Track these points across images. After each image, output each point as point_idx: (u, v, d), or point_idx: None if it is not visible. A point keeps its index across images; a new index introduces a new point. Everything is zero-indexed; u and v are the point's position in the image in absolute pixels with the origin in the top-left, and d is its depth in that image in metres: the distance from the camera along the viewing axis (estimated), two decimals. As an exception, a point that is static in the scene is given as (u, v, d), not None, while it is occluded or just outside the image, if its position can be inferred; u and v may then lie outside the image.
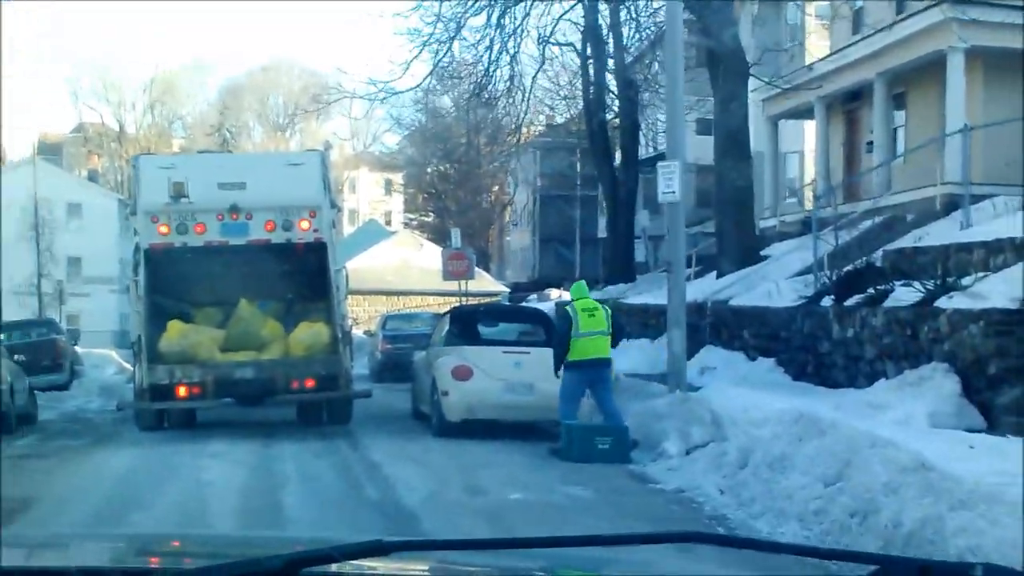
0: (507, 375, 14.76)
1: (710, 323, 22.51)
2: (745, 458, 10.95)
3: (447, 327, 16.15)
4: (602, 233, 59.32)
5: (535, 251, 68.34)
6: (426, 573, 2.17)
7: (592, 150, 32.80)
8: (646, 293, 29.25)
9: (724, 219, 25.38)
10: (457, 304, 21.59)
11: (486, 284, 47.35)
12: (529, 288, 58.43)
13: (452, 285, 34.47)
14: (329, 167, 17.20)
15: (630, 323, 27.62)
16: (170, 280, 16.21)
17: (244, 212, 15.66)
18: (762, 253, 25.50)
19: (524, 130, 34.48)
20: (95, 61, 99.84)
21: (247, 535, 5.74)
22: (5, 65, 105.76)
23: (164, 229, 15.62)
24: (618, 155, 32.91)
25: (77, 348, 35.18)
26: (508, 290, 54.49)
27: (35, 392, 19.70)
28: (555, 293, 48.87)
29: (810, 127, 36.14)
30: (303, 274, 16.44)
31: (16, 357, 19.11)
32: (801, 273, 22.61)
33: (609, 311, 14.92)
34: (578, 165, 63.67)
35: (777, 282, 21.04)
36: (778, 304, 19.62)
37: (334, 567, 1.73)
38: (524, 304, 44.63)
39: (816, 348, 17.39)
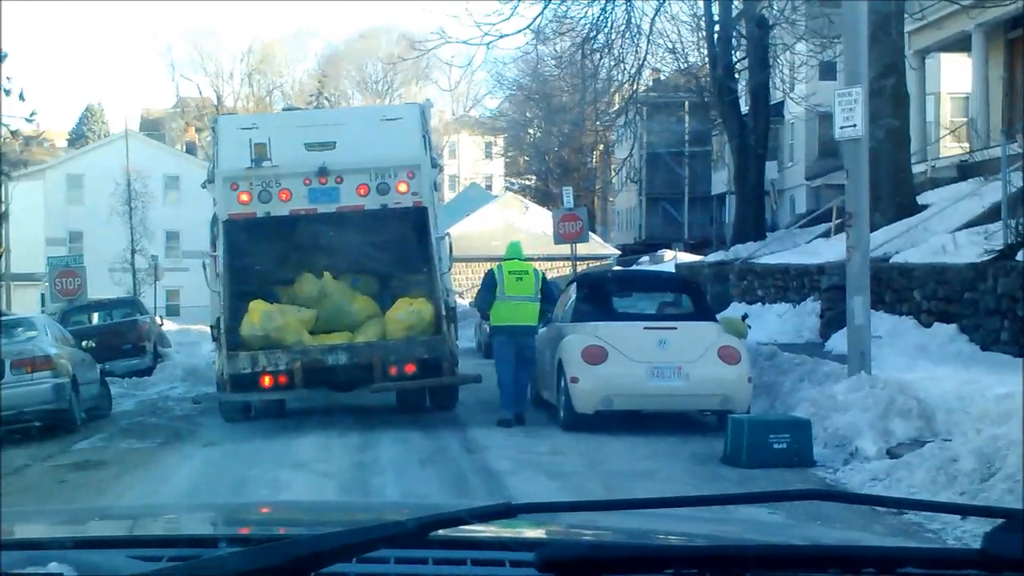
0: (650, 356, 12.12)
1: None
2: (987, 466, 8.19)
3: (574, 298, 13.51)
4: (716, 189, 56.46)
5: (641, 212, 65.68)
6: (554, 534, 2.11)
7: (717, 97, 29.79)
8: (780, 252, 26.37)
9: (875, 165, 22.29)
10: (583, 270, 19.02)
11: (596, 247, 44.65)
12: (639, 250, 55.70)
13: (562, 249, 31.91)
14: (429, 121, 15.05)
15: (763, 285, 24.82)
16: (252, 254, 14.50)
17: (334, 175, 13.87)
18: (919, 202, 22.44)
19: (634, 83, 31.56)
20: (191, 31, 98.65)
21: (353, 502, 5.92)
22: (106, 39, 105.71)
23: (245, 197, 13.86)
24: (744, 103, 29.86)
25: (166, 326, 33.50)
26: (619, 253, 51.78)
27: (108, 381, 17.60)
28: (668, 254, 46.09)
29: (948, 64, 32.83)
30: (401, 244, 14.69)
31: (85, 343, 16.96)
32: (970, 224, 19.61)
33: (540, 275, 13.71)
34: (686, 120, 60.74)
35: (952, 235, 18.05)
36: (957, 260, 16.66)
37: (463, 530, 1.74)
38: (646, 267, 41.90)
39: (1013, 312, 14.46)
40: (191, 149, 73.53)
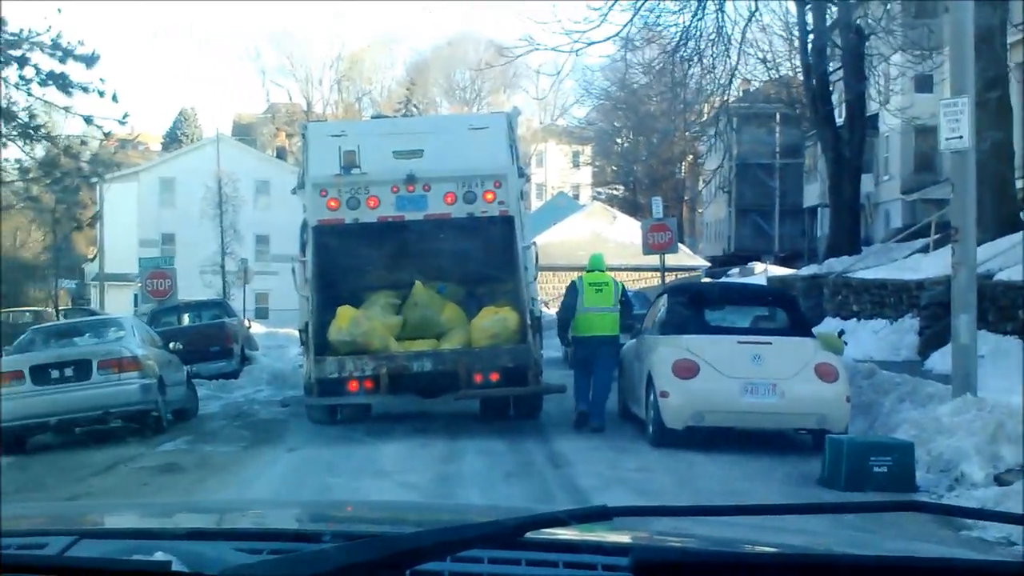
0: (744, 372, 11.72)
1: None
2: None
3: (664, 309, 13.17)
4: (808, 202, 55.55)
5: (731, 223, 64.95)
6: (646, 540, 2.09)
7: (812, 107, 29.20)
8: (876, 267, 25.70)
9: (979, 179, 21.59)
10: (675, 280, 18.75)
11: (684, 259, 44.10)
12: (728, 262, 54.99)
13: (651, 259, 31.50)
14: (516, 130, 15.03)
15: (859, 301, 24.18)
16: (340, 260, 14.54)
17: (421, 183, 14.05)
18: (1024, 219, 21.69)
19: (725, 93, 31.07)
20: (280, 35, 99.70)
21: (440, 503, 5.95)
22: (201, 43, 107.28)
23: (334, 204, 14.07)
24: (838, 114, 29.25)
25: (254, 329, 33.67)
26: (707, 264, 51.16)
27: (194, 383, 17.63)
28: (759, 267, 45.42)
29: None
30: (487, 252, 14.60)
31: (173, 344, 16.95)
32: (1078, 242, 18.87)
33: (620, 287, 14.08)
34: (777, 131, 59.91)
35: (1062, 252, 17.36)
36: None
37: (557, 532, 1.76)
38: (737, 279, 41.28)
39: None
40: (281, 154, 74.22)
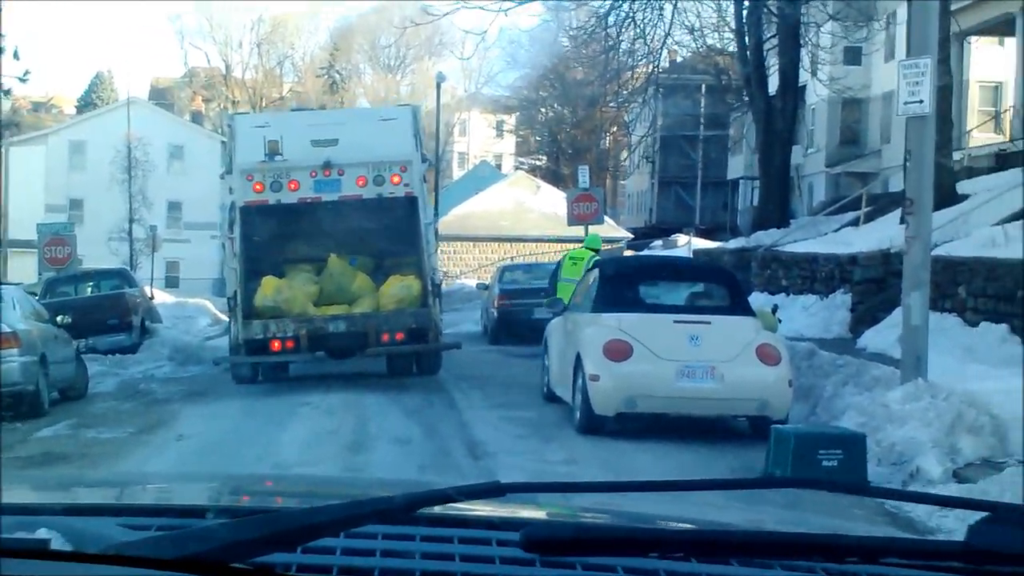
0: (680, 354, 10.78)
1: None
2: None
3: (595, 285, 12.13)
4: (732, 174, 55.02)
5: (652, 195, 64.30)
6: (541, 515, 2.12)
7: (744, 76, 28.38)
8: (804, 241, 25.03)
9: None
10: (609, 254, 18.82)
11: (608, 230, 43.15)
12: (650, 234, 54.26)
13: (576, 231, 30.63)
14: (421, 122, 17.16)
15: (789, 275, 23.47)
16: (264, 237, 16.31)
17: (336, 168, 15.78)
18: (959, 192, 21.09)
19: (656, 59, 30.22)
20: None
21: (345, 476, 6.06)
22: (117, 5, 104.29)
23: (259, 187, 15.78)
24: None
25: (162, 299, 32.21)
26: (631, 236, 50.40)
27: (85, 359, 16.34)
28: (683, 239, 44.76)
29: (978, 51, 31.46)
30: (394, 228, 16.45)
31: (60, 318, 15.63)
32: (1017, 216, 18.26)
33: (591, 260, 15.27)
34: (702, 103, 59.31)
35: (1003, 227, 16.70)
36: (1009, 255, 15.33)
37: (452, 507, 1.73)
38: (659, 252, 40.50)
39: (1077, 315, 13.15)
40: (197, 119, 72.07)
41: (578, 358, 11.32)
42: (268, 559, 1.51)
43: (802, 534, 1.82)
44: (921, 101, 10.60)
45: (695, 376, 10.69)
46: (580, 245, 18.23)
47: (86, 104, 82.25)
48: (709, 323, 11.07)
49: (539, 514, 2.13)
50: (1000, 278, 15.11)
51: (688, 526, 2.05)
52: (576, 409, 11.28)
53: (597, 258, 15.25)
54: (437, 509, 1.73)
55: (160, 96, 79.35)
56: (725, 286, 11.99)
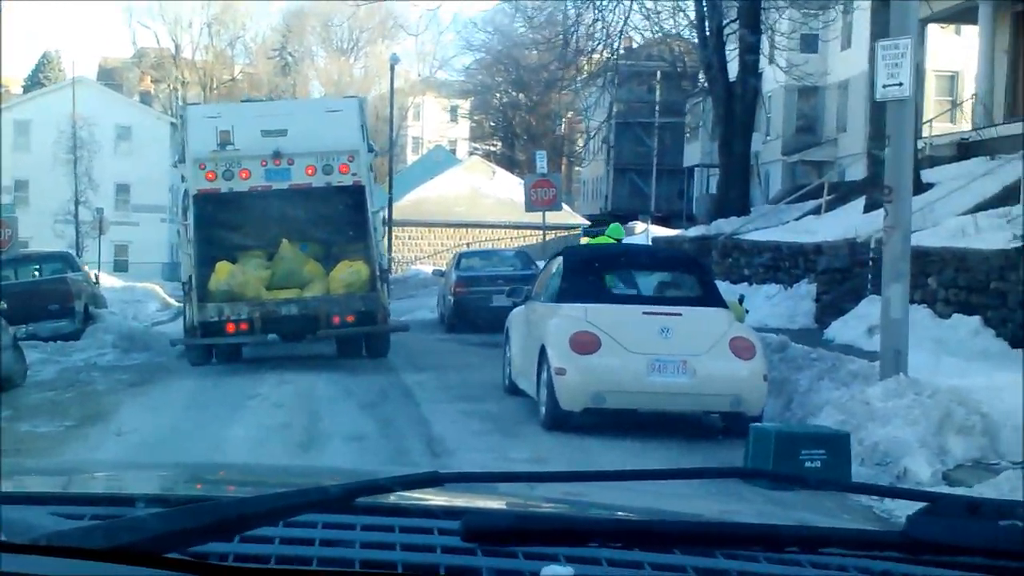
0: (650, 347, 10.25)
1: (871, 267, 17.86)
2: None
3: (560, 275, 11.58)
4: (689, 161, 54.67)
5: (608, 182, 63.89)
6: (475, 503, 2.10)
7: (704, 61, 27.92)
8: (766, 229, 24.63)
9: (879, 138, 20.55)
10: (576, 241, 18.42)
11: (565, 217, 42.65)
12: (606, 221, 53.77)
13: (532, 217, 30.12)
14: (367, 113, 18.06)
15: (752, 264, 23.06)
16: (217, 223, 16.71)
17: (286, 158, 16.25)
18: (924, 180, 20.73)
19: (616, 42, 29.71)
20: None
21: (290, 465, 5.91)
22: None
23: (211, 175, 16.25)
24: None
25: (110, 283, 31.34)
26: (588, 223, 49.93)
27: (23, 347, 15.56)
28: (640, 227, 44.34)
29: (934, 39, 31.20)
30: (342, 216, 17.02)
31: (-2, 303, 14.88)
32: (983, 206, 17.94)
33: None
34: (657, 90, 58.95)
35: (974, 217, 16.33)
36: (980, 245, 14.96)
37: (391, 497, 1.78)
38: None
39: (1056, 308, 12.78)
40: (146, 99, 70.70)
41: (542, 350, 10.77)
42: (204, 549, 1.48)
43: (742, 524, 1.81)
44: (900, 84, 10.14)
45: (666, 370, 10.16)
46: (587, 236, 19.34)
47: (33, 84, 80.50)
48: (680, 314, 10.54)
49: (481, 503, 2.12)
50: (971, 269, 14.74)
51: (631, 516, 2.06)
52: (541, 404, 10.73)
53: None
54: (378, 498, 1.73)
55: (108, 77, 77.76)
56: (696, 275, 11.47)
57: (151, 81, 75.89)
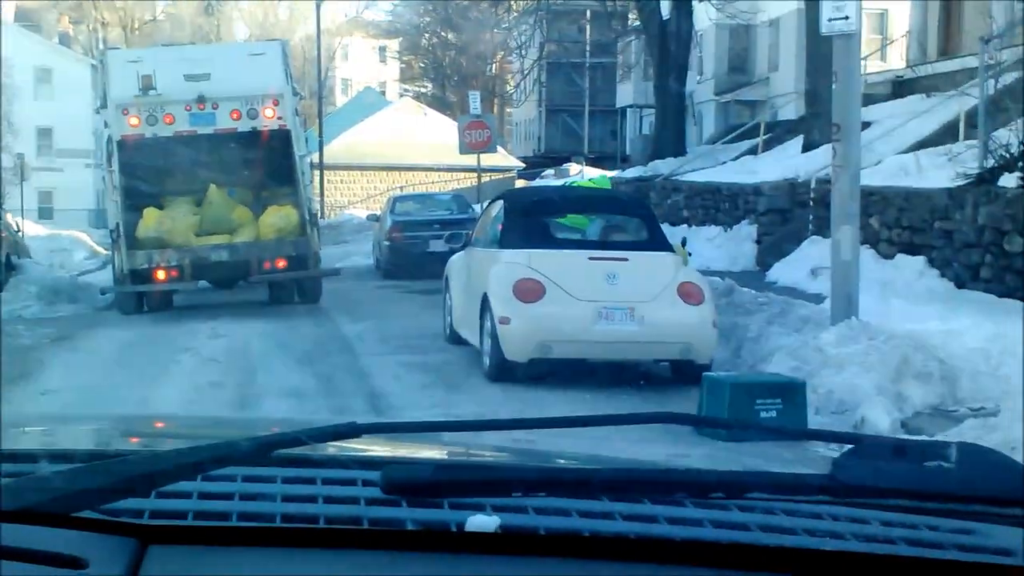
0: (597, 294, 9.94)
1: (812, 208, 17.71)
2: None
3: (501, 219, 11.18)
4: (622, 102, 54.33)
5: (540, 124, 63.38)
6: (399, 454, 2.06)
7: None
8: (703, 170, 24.43)
9: (817, 76, 20.37)
10: (512, 185, 17.97)
11: (499, 159, 42.17)
12: (540, 163, 53.36)
13: (466, 159, 29.70)
14: (290, 56, 17.89)
15: (691, 206, 22.86)
16: (143, 169, 16.59)
17: (210, 102, 16.22)
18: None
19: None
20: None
21: (223, 417, 5.82)
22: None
23: (135, 121, 16.16)
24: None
25: (34, 231, 30.47)
26: (523, 165, 49.48)
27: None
28: (575, 168, 44.04)
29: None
30: (269, 160, 16.97)
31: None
32: (922, 144, 17.83)
33: None
34: (587, 30, 58.41)
35: (915, 155, 16.19)
36: (922, 184, 14.82)
37: (306, 449, 1.73)
38: (550, 182, 39.61)
39: (999, 245, 12.66)
40: (64, 40, 68.75)
41: (485, 299, 10.43)
42: (117, 506, 1.44)
43: (669, 470, 1.82)
44: (847, 17, 9.86)
45: (613, 318, 9.87)
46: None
47: (-54, 27, 77.97)
48: (627, 260, 10.23)
49: (402, 454, 2.07)
50: (915, 208, 14.61)
51: (561, 464, 2.03)
52: (485, 355, 10.39)
53: None
54: (300, 451, 1.71)
55: (26, 18, 75.51)
56: (641, 218, 11.13)
57: (70, 22, 73.80)
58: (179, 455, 1.56)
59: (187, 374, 11.04)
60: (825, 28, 10.16)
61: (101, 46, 61.51)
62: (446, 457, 2.15)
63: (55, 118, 57.58)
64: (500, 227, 11.05)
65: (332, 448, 1.87)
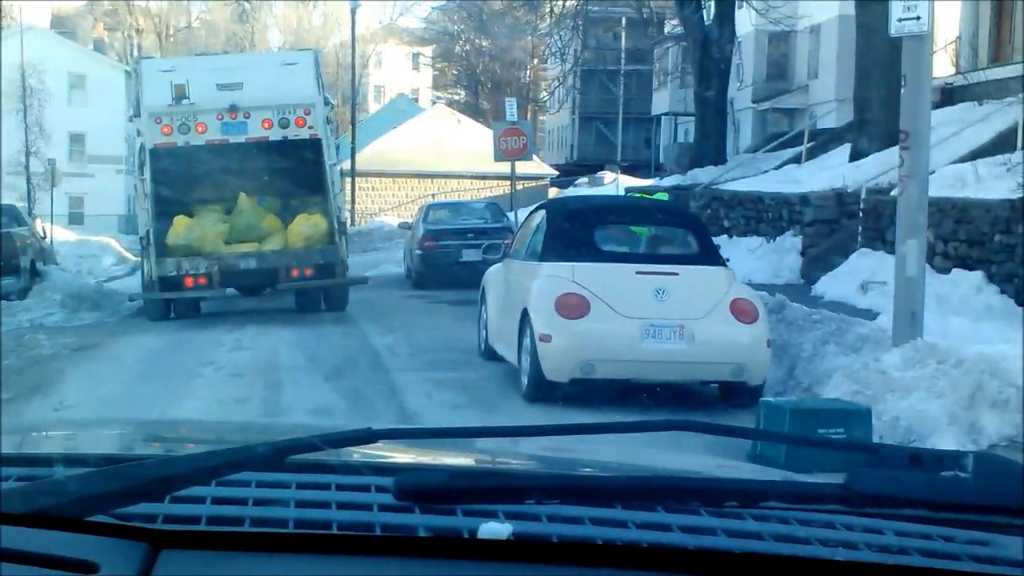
0: (645, 310, 9.33)
1: (862, 219, 17.04)
2: None
3: (543, 230, 10.58)
4: (657, 109, 53.69)
5: (573, 131, 62.87)
6: (414, 460, 2.07)
7: (678, 2, 26.88)
8: (744, 179, 23.78)
9: (867, 82, 19.71)
10: (556, 195, 17.11)
11: (533, 167, 41.55)
12: (573, 171, 52.77)
13: (501, 167, 29.08)
14: (323, 65, 17.91)
15: (731, 216, 22.20)
16: (174, 178, 16.61)
17: (242, 111, 16.27)
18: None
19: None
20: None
21: (241, 422, 5.68)
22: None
23: (167, 129, 16.22)
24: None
25: (63, 236, 30.14)
26: (556, 173, 48.90)
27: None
28: (609, 176, 43.45)
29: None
30: (300, 169, 16.97)
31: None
32: (978, 154, 17.14)
33: None
34: (623, 37, 57.84)
35: (974, 165, 15.50)
36: (983, 195, 14.14)
37: (322, 455, 1.70)
38: (584, 190, 39.05)
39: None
40: (100, 47, 68.75)
41: (524, 314, 9.84)
42: (130, 510, 1.44)
43: (683, 478, 1.76)
44: (918, 18, 9.24)
45: (661, 336, 9.25)
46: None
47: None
48: (676, 274, 9.61)
49: (418, 460, 2.05)
50: (973, 220, 13.92)
51: (574, 472, 2.00)
52: (523, 373, 9.80)
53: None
54: (315, 456, 1.69)
55: (62, 25, 75.69)
56: (691, 230, 10.49)
57: (104, 29, 73.92)
58: (194, 460, 1.57)
59: (211, 387, 10.54)
60: (895, 29, 9.54)
61: (135, 53, 61.48)
62: (461, 464, 2.12)
63: (88, 124, 57.51)
64: (542, 238, 10.45)
65: (348, 454, 1.87)
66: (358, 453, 1.90)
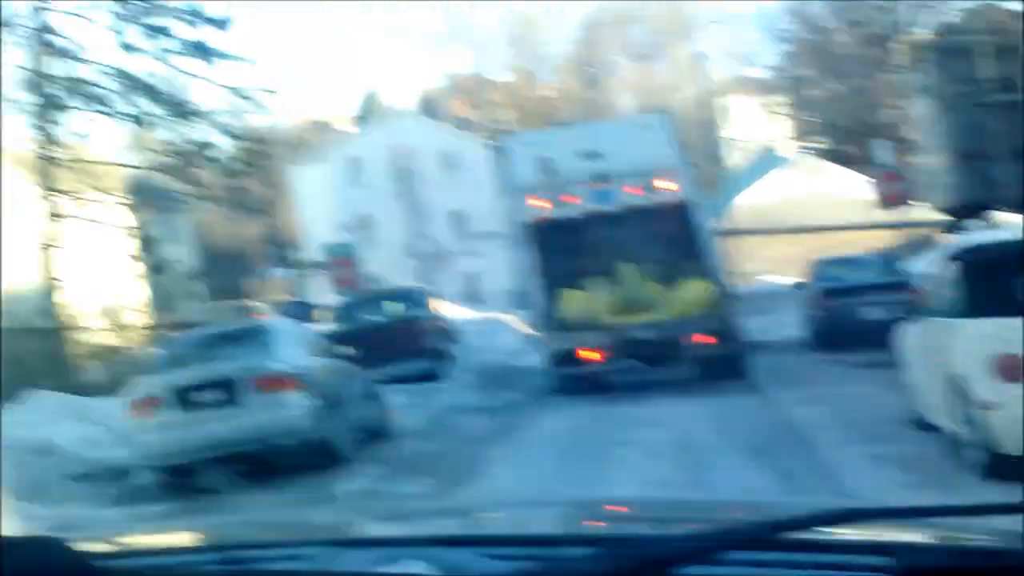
0: None
1: None
2: None
3: (959, 282, 9.76)
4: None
5: (947, 171, 59.71)
6: (908, 539, 1.95)
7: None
8: None
9: None
10: (968, 243, 15.64)
11: (915, 213, 39.29)
12: (960, 213, 49.84)
13: (888, 216, 28.00)
14: (675, 127, 18.07)
15: None
16: (554, 250, 16.87)
17: (608, 180, 16.50)
18: None
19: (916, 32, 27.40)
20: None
21: (691, 500, 5.48)
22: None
23: (540, 203, 16.72)
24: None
25: (462, 315, 31.19)
26: (947, 218, 46.45)
27: (381, 394, 15.12)
28: (1003, 216, 40.78)
29: None
30: (672, 233, 16.86)
31: (351, 349, 14.49)
32: None
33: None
34: (993, 65, 54.62)
35: None
36: None
37: (813, 531, 1.73)
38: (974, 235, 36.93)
39: None
40: (463, 126, 71.81)
41: (956, 379, 9.14)
42: None
43: None
44: None
45: None
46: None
47: (363, 121, 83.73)
48: None
49: (911, 539, 1.96)
50: None
51: None
52: (967, 446, 9.10)
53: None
54: (799, 533, 1.71)
55: (426, 108, 79.99)
56: None
57: (467, 107, 77.47)
58: (690, 540, 1.62)
59: (630, 471, 10.44)
60: None
61: (496, 128, 63.84)
62: (953, 542, 1.99)
63: (463, 202, 59.88)
64: (962, 292, 9.72)
65: (830, 532, 1.83)
66: (843, 532, 1.87)
